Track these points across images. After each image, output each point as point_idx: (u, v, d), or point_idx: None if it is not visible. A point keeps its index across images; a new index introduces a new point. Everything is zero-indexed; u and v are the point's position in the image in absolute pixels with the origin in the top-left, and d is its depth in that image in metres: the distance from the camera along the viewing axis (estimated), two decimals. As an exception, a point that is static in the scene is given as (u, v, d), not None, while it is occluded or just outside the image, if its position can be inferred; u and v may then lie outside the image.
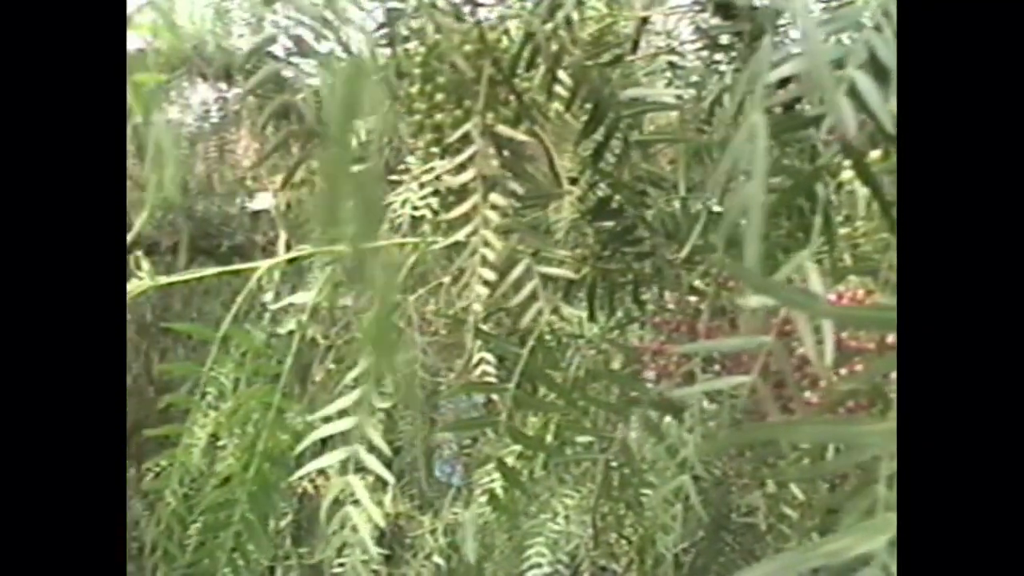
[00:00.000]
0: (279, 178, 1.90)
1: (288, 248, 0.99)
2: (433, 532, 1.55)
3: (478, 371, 1.20)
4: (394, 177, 1.24)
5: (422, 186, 1.26)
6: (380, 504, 0.82)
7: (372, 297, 0.46)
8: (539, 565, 1.40)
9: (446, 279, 1.21)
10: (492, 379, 1.16)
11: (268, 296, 0.99)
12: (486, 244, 0.72)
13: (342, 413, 0.81)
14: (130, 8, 0.48)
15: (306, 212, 1.75)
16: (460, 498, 1.68)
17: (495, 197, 0.72)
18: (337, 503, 1.16)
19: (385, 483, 0.84)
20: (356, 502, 0.78)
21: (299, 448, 0.84)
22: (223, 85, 2.22)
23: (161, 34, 0.47)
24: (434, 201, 1.23)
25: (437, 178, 1.10)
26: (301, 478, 0.95)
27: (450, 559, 1.56)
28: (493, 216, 0.73)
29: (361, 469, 0.80)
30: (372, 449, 0.78)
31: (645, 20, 1.28)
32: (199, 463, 1.11)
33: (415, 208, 1.25)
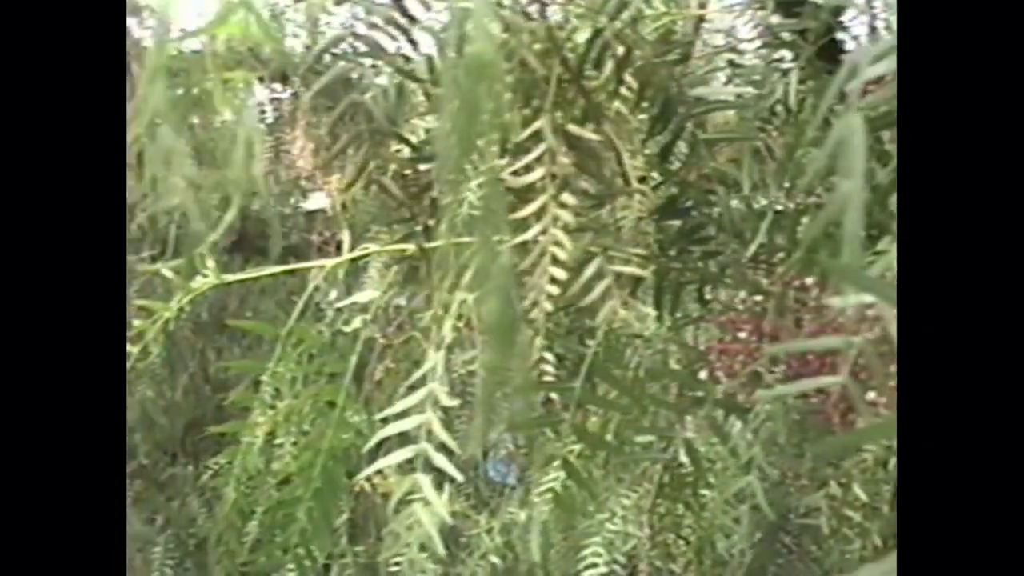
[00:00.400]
0: (335, 178, 1.91)
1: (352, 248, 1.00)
2: (489, 531, 1.55)
3: (537, 370, 1.19)
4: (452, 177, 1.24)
5: (481, 185, 1.26)
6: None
7: (491, 295, 0.46)
8: (595, 565, 1.39)
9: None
10: (551, 378, 1.16)
11: (332, 295, 1.00)
12: (556, 243, 0.72)
13: (408, 411, 0.81)
14: (218, 8, 0.48)
15: (363, 212, 1.75)
16: (515, 497, 1.68)
17: (565, 196, 0.72)
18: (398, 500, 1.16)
19: (442, 482, 0.84)
20: (423, 500, 0.78)
21: (368, 446, 0.84)
22: (277, 86, 2.24)
23: (252, 35, 0.48)
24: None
25: (498, 178, 1.10)
26: (358, 477, 0.96)
27: (505, 558, 1.56)
28: (563, 215, 0.72)
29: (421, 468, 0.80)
30: (440, 447, 0.78)
31: (701, 19, 1.28)
32: (256, 461, 1.11)
33: (473, 208, 1.25)
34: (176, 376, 2.21)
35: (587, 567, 1.39)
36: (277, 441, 1.13)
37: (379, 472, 1.41)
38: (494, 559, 1.53)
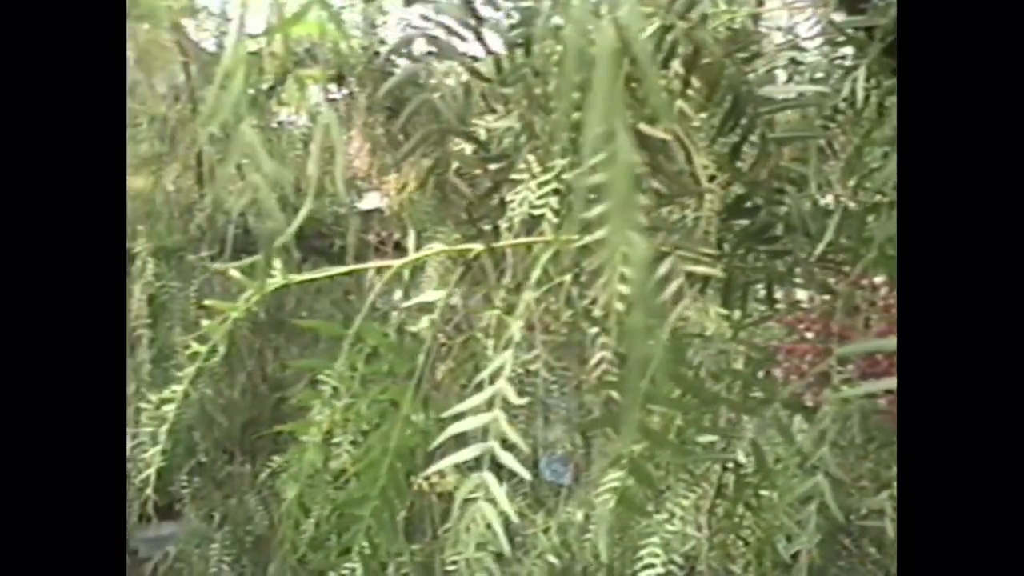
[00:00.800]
0: (391, 178, 1.91)
1: (408, 248, 1.00)
2: (546, 531, 1.55)
3: (598, 370, 1.19)
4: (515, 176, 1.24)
5: (540, 185, 1.26)
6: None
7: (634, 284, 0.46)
8: (652, 565, 1.39)
9: (566, 278, 1.20)
10: (612, 377, 1.16)
11: (397, 294, 1.00)
12: (627, 242, 0.71)
13: (474, 410, 0.81)
14: (294, 7, 0.49)
15: (419, 211, 1.76)
16: (572, 497, 1.68)
17: (633, 195, 0.72)
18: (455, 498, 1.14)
19: (499, 481, 0.84)
20: (489, 499, 0.78)
21: (435, 443, 0.84)
22: (333, 86, 2.25)
23: (329, 34, 0.48)
24: (553, 200, 1.22)
25: (558, 176, 1.09)
26: (423, 474, 0.96)
27: (562, 558, 1.56)
28: (634, 215, 0.72)
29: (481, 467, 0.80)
30: (507, 446, 0.78)
31: (757, 16, 1.27)
32: (318, 460, 1.12)
33: (533, 207, 1.25)
34: (234, 375, 2.23)
35: (644, 567, 1.38)
36: (336, 440, 1.14)
37: (437, 471, 1.40)
38: (551, 559, 1.53)
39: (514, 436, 0.77)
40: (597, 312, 1.11)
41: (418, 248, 0.97)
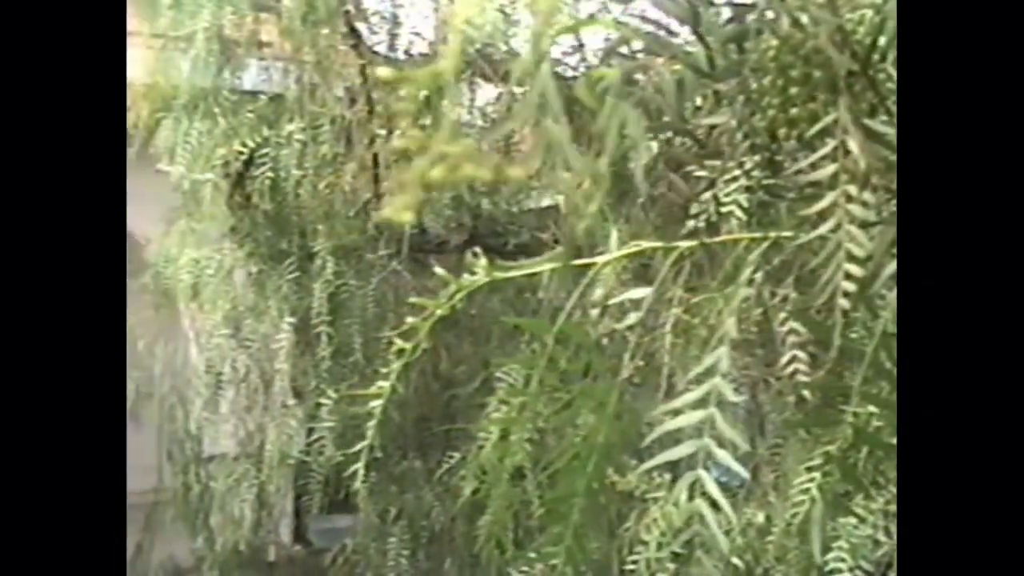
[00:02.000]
0: (567, 175, 1.91)
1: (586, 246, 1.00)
2: (728, 532, 1.53)
3: (790, 368, 1.18)
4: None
5: (728, 182, 1.25)
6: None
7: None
8: (838, 571, 1.36)
9: (757, 276, 1.19)
10: (805, 376, 1.14)
11: (597, 292, 1.01)
12: (851, 239, 0.70)
13: (691, 406, 0.80)
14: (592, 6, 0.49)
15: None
16: (751, 497, 1.66)
17: (858, 190, 0.71)
18: (634, 499, 1.14)
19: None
20: (708, 499, 0.78)
21: (648, 439, 0.84)
22: (500, 86, 2.26)
23: (622, 30, 0.49)
24: (742, 198, 1.21)
25: (752, 173, 1.08)
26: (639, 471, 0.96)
27: (743, 559, 1.54)
28: (856, 210, 0.71)
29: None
30: (724, 444, 0.77)
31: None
32: (514, 455, 1.12)
33: (721, 204, 1.23)
34: (409, 371, 2.26)
35: (830, 572, 1.36)
36: (527, 436, 1.14)
37: (616, 471, 1.40)
38: (734, 560, 1.51)
39: (731, 433, 0.77)
40: (788, 309, 1.10)
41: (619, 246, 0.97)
